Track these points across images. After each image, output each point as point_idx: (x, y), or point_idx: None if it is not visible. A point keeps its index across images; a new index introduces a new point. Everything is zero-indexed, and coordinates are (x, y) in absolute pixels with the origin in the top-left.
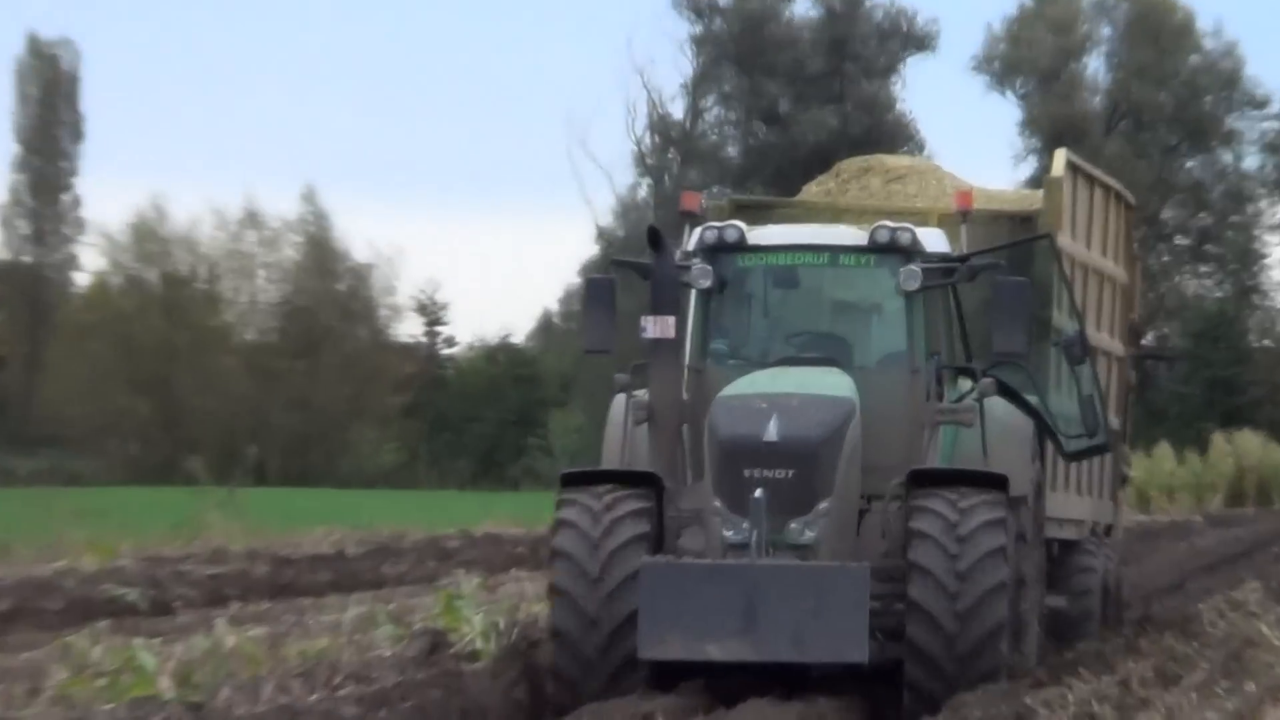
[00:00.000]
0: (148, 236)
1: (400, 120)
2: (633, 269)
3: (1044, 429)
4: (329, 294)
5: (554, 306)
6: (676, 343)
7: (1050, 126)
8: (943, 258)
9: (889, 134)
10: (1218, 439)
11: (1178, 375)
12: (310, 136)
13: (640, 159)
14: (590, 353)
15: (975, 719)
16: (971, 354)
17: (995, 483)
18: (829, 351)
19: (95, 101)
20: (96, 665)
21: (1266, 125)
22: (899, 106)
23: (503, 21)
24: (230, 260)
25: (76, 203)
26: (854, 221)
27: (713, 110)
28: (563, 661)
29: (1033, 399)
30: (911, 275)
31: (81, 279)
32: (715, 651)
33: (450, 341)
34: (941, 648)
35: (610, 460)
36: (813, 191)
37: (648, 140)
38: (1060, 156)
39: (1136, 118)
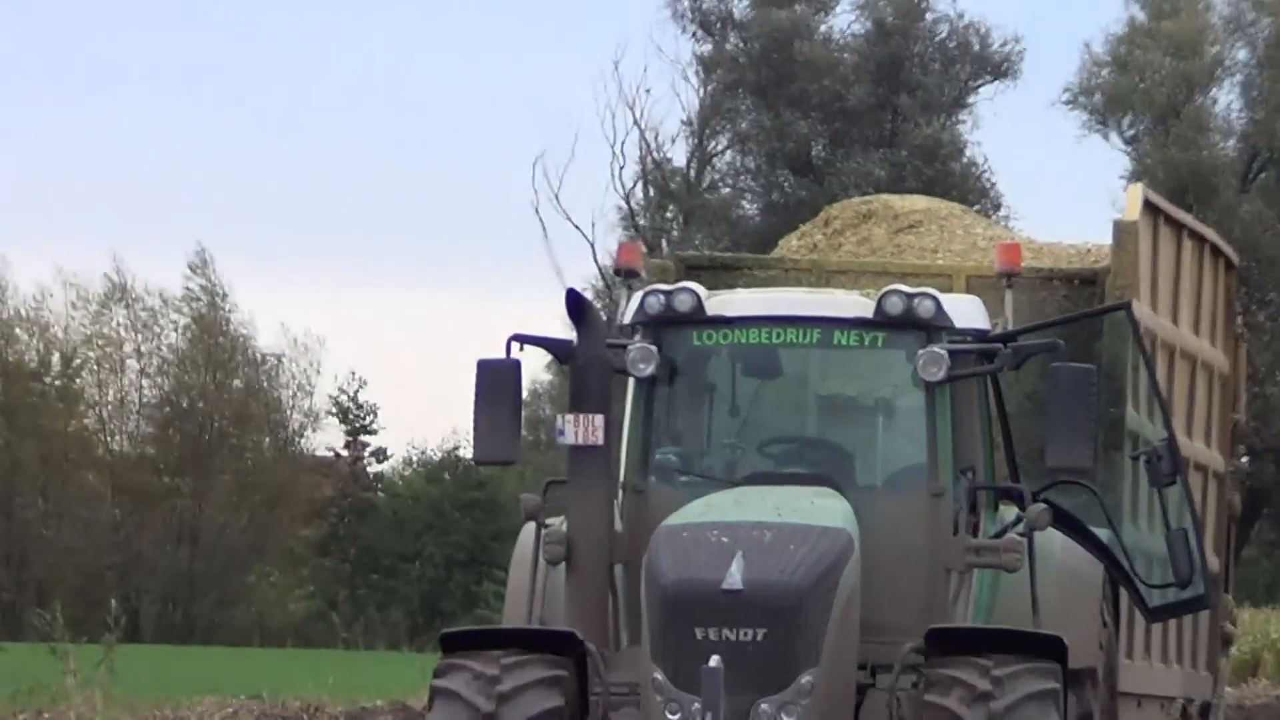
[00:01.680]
0: None
1: (318, 169)
2: (545, 348)
3: (1117, 574)
4: (222, 393)
5: None
6: (606, 452)
7: (1168, 178)
8: (978, 335)
9: (955, 186)
10: None
11: None
12: (199, 188)
13: (629, 218)
14: (482, 464)
15: None
16: (1018, 470)
17: (1048, 648)
18: (819, 466)
19: None
20: None
21: None
22: (969, 151)
23: (453, 42)
24: (92, 348)
25: None
26: (853, 285)
27: (725, 155)
28: None
29: (1102, 533)
30: (935, 360)
31: None
32: None
33: (381, 455)
34: None
35: (514, 613)
36: (794, 246)
37: (639, 193)
38: (1136, 194)
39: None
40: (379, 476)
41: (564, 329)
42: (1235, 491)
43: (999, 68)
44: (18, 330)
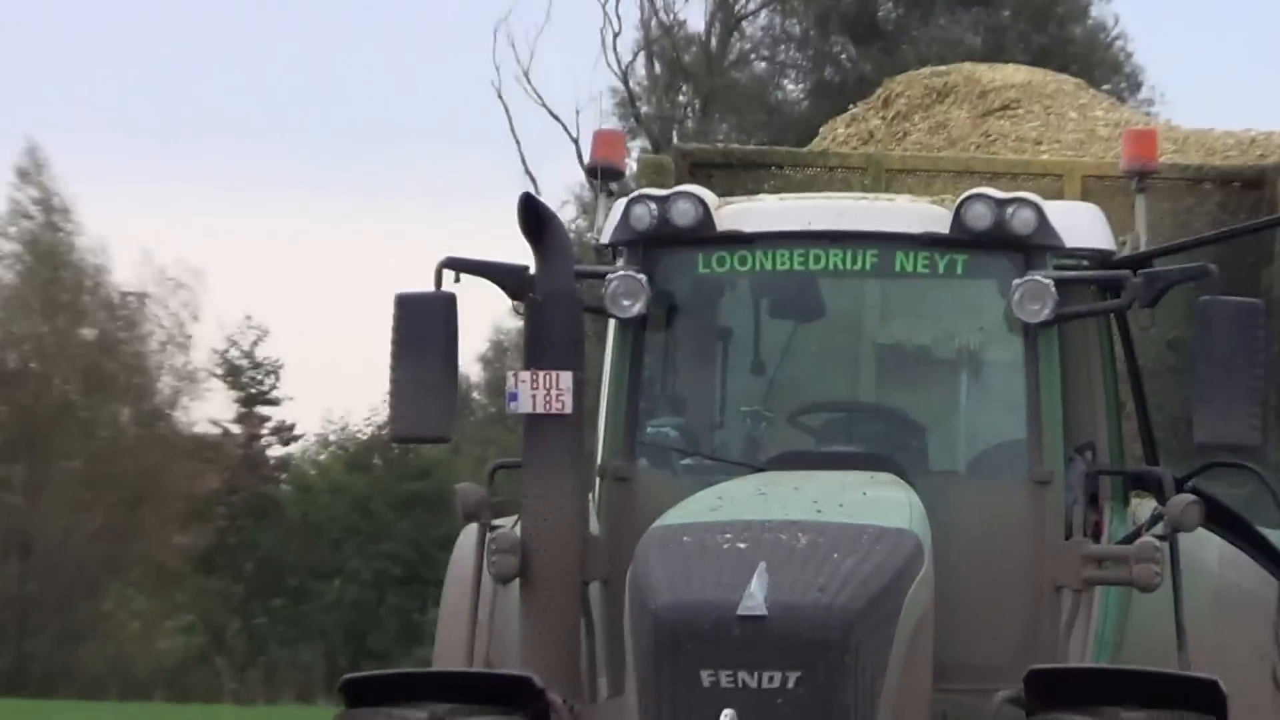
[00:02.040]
0: None
1: (194, 42)
2: (490, 277)
3: None
4: (65, 347)
5: (474, 373)
6: (577, 424)
7: None
8: (1099, 258)
9: (1076, 59)
10: None
11: None
12: (29, 68)
13: (627, 104)
14: (403, 440)
15: None
16: (1157, 448)
17: (1200, 696)
18: (875, 443)
19: None
20: None
21: None
22: (1096, 10)
23: None
24: None
25: None
26: (923, 190)
27: (759, 16)
28: None
29: (1276, 535)
30: (1038, 293)
31: None
32: None
33: (286, 434)
34: None
35: (449, 651)
36: (841, 135)
37: (641, 69)
38: None
39: None
40: (284, 463)
41: (524, 255)
42: None
43: None
44: None
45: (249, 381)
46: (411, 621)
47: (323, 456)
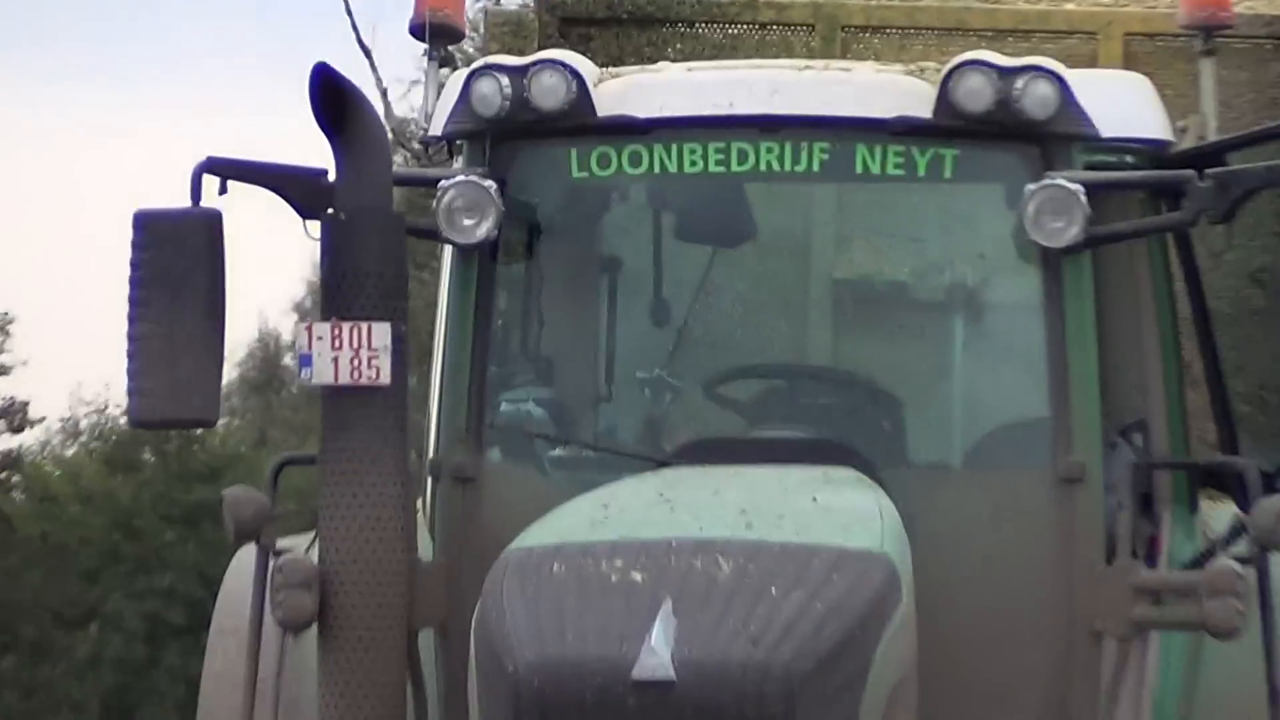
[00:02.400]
0: None
1: None
2: (271, 186)
3: None
4: None
5: (285, 327)
6: (398, 399)
7: None
8: (1151, 153)
9: None
10: None
11: None
12: None
13: None
14: (147, 425)
15: None
16: (1236, 429)
17: None
18: (829, 424)
19: None
20: None
21: None
22: None
23: None
24: None
25: None
26: (894, 56)
27: None
28: None
29: None
30: (1063, 203)
31: None
32: None
33: (17, 416)
34: None
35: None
36: None
37: None
38: None
39: None
40: (13, 459)
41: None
42: None
43: None
44: None
45: None
46: (185, 672)
47: (71, 451)
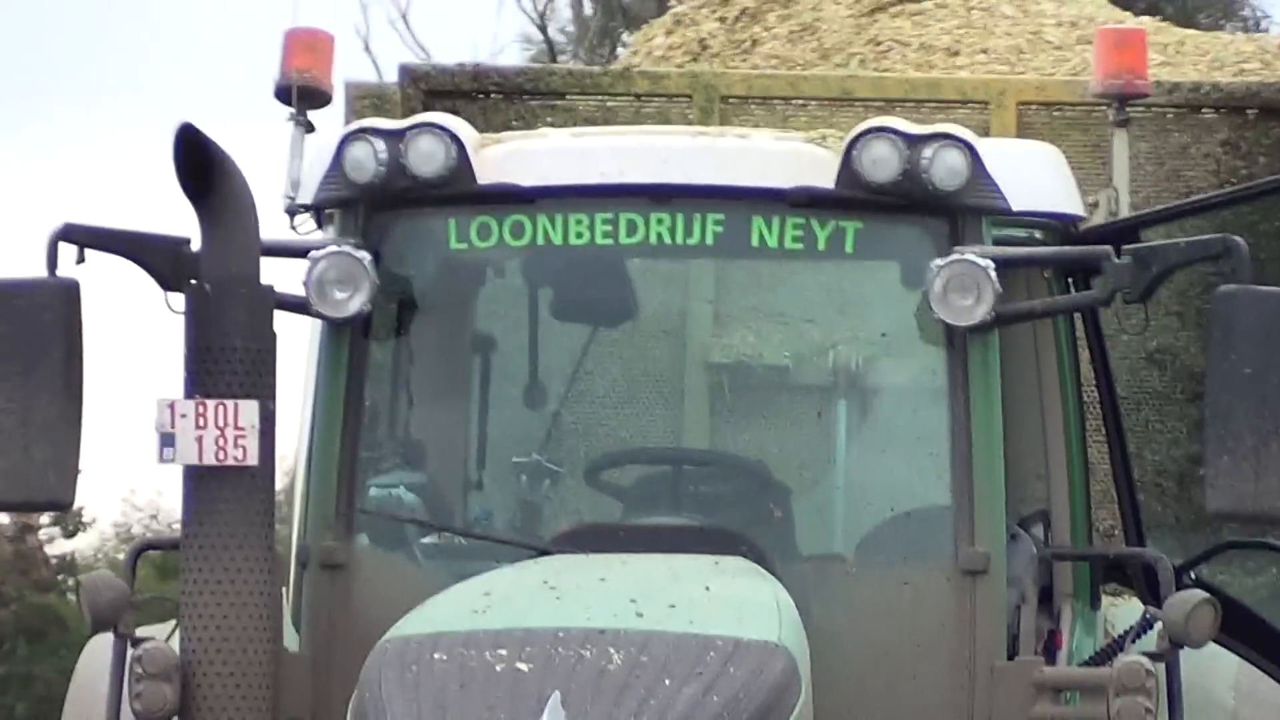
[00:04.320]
0: None
1: None
2: (130, 256)
3: None
4: None
5: None
6: (265, 481)
7: None
8: (1062, 228)
9: None
10: None
11: None
12: None
13: (548, 55)
14: (4, 508)
15: None
16: (1140, 518)
17: None
18: (716, 511)
19: None
20: None
21: None
22: None
23: None
24: None
25: None
26: (783, 124)
27: None
28: None
29: None
30: (971, 279)
31: None
32: None
33: (73, 522)
34: None
35: None
36: (659, 47)
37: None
38: None
39: None
40: (69, 563)
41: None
42: None
43: None
44: None
45: None
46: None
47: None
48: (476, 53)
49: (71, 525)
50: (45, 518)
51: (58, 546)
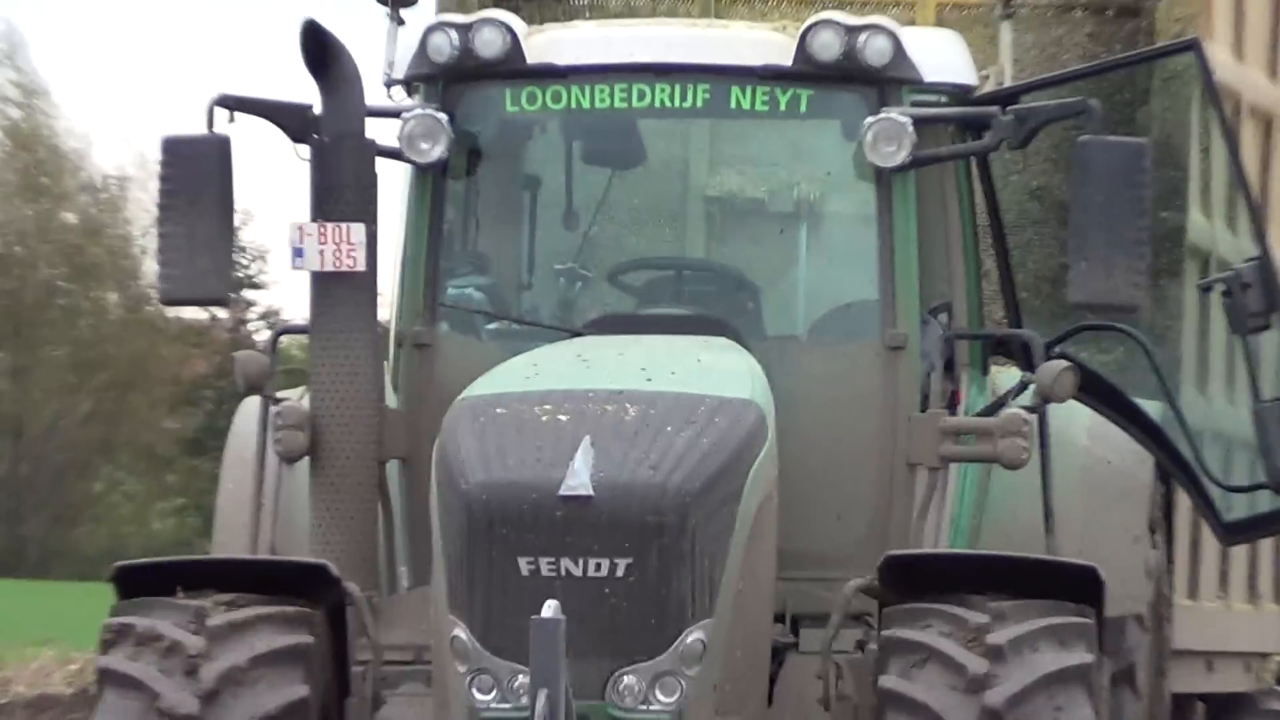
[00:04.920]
0: None
1: None
2: (268, 116)
3: (1176, 470)
4: (47, 232)
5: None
6: (370, 283)
7: None
8: (960, 93)
9: None
10: None
11: None
12: None
13: None
14: (173, 303)
15: None
16: (1020, 309)
17: (1073, 585)
18: (708, 303)
19: None
20: None
21: None
22: None
23: None
24: None
25: None
26: (757, 17)
27: None
28: None
29: (1154, 406)
30: (893, 132)
31: None
32: None
33: (272, 319)
34: None
35: (231, 536)
36: None
37: None
38: None
39: None
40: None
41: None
42: None
43: None
44: None
45: (236, 265)
46: None
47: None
48: None
49: (274, 322)
50: (253, 314)
51: (263, 336)
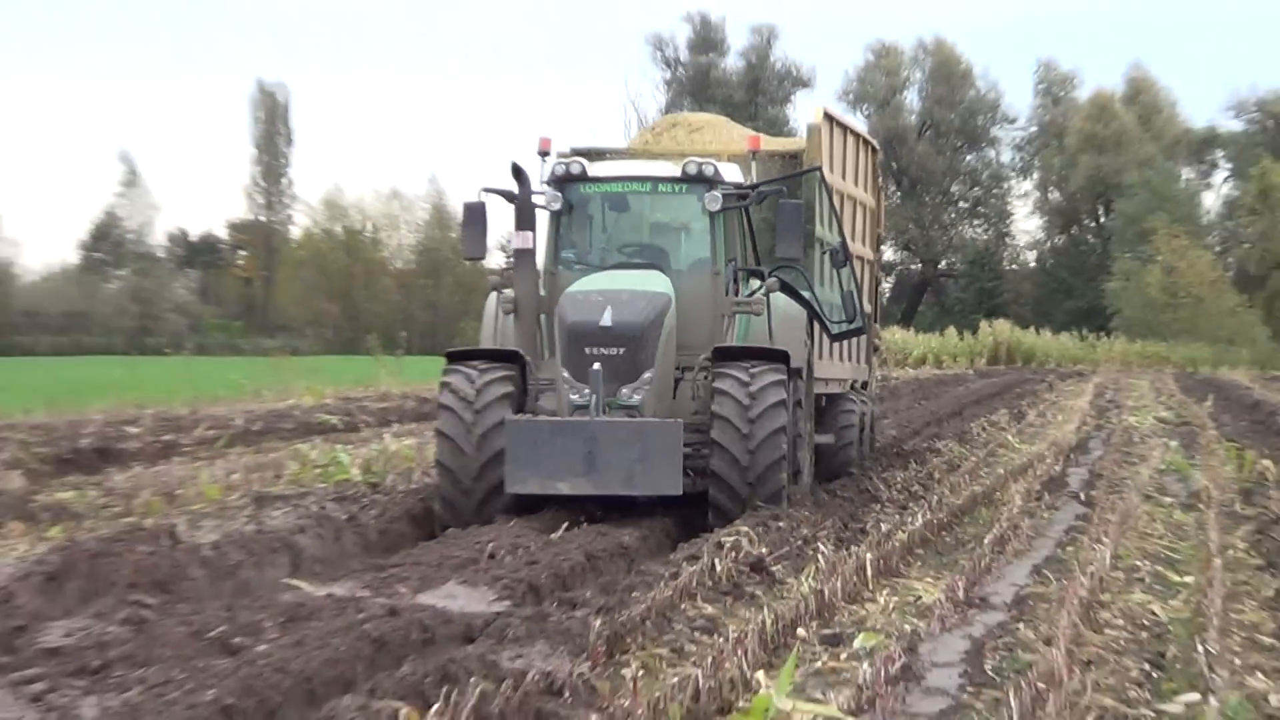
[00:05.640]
0: (334, 204)
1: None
2: (501, 195)
3: (815, 316)
4: (446, 239)
5: None
6: (534, 252)
7: (883, 136)
8: (737, 186)
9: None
10: (983, 325)
11: (960, 287)
12: (436, 136)
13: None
14: (468, 259)
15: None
16: (760, 260)
17: (778, 357)
18: (651, 259)
19: (301, 120)
20: (314, 461)
21: (1015, 134)
22: (792, 124)
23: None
24: (385, 219)
25: (290, 184)
26: (676, 158)
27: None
28: (446, 488)
29: (806, 294)
30: (714, 199)
31: (295, 230)
32: (565, 487)
33: None
34: (737, 475)
35: (486, 342)
36: (636, 141)
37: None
38: (818, 109)
39: (936, 128)
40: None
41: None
42: (881, 272)
43: (805, 82)
44: (351, 211)
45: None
46: None
47: None
48: (595, 135)
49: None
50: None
51: None
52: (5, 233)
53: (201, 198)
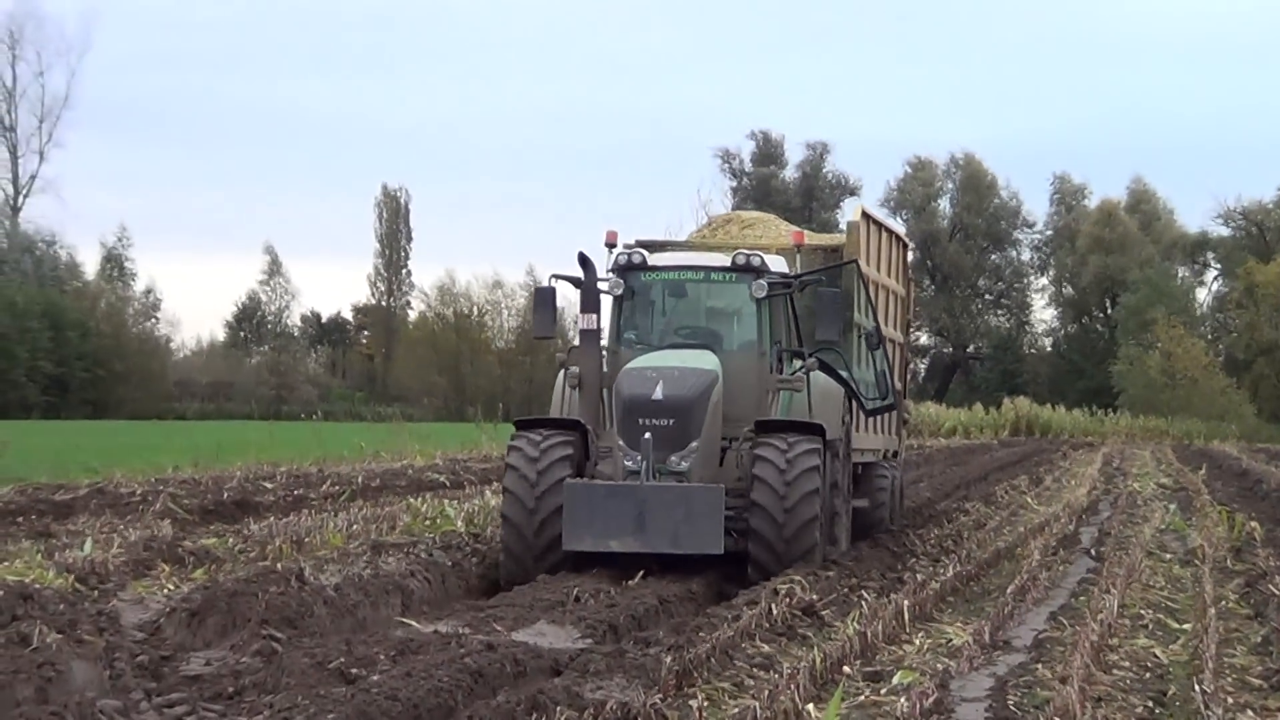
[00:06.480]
0: (446, 290)
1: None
2: (569, 281)
3: (851, 393)
4: None
5: None
6: (599, 333)
7: (919, 237)
8: (782, 276)
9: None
10: (1006, 401)
11: (985, 368)
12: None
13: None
14: (538, 338)
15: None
16: (802, 342)
17: (816, 430)
18: (703, 340)
19: (420, 218)
20: (424, 514)
21: (1034, 236)
22: (841, 225)
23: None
24: (489, 304)
25: (409, 274)
26: (728, 250)
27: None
28: (508, 539)
29: (844, 374)
30: (760, 287)
31: (412, 314)
32: (616, 545)
33: None
34: (774, 532)
35: (554, 413)
36: (694, 234)
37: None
38: (858, 208)
39: (966, 231)
40: None
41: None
42: (910, 353)
43: (853, 190)
44: (460, 298)
45: None
46: None
47: None
48: (657, 226)
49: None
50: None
51: None
52: (165, 313)
53: (332, 285)
